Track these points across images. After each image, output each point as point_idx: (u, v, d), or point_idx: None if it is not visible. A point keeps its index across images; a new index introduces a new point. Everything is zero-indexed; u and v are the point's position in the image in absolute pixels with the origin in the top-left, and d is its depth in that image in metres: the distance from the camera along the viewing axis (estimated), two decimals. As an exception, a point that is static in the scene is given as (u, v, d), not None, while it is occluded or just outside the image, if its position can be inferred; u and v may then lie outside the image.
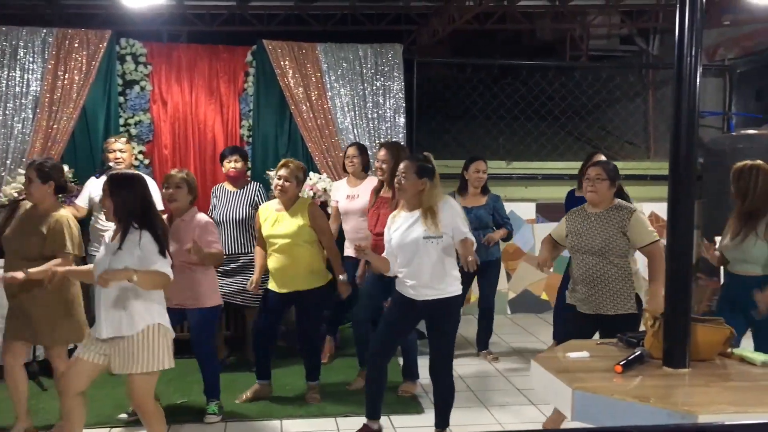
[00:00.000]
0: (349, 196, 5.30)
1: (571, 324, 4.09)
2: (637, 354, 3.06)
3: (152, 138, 6.32)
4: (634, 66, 9.10)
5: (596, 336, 3.97)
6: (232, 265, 5.38)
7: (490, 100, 8.17)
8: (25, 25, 6.08)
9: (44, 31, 6.02)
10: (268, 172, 6.00)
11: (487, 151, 7.94)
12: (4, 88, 5.89)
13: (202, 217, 4.50)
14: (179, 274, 4.22)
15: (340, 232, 5.39)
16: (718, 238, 4.49)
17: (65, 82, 5.96)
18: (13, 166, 5.82)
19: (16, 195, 5.36)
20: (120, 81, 6.21)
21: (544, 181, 7.50)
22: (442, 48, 9.48)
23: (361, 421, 4.25)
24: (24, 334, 4.05)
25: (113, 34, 6.15)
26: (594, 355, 3.24)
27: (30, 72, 5.94)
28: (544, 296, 7.53)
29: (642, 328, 3.40)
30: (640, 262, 4.09)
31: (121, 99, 6.22)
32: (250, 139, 6.42)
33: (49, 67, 5.93)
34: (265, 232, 4.69)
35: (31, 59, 5.94)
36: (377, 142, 6.26)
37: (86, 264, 4.50)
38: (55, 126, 5.92)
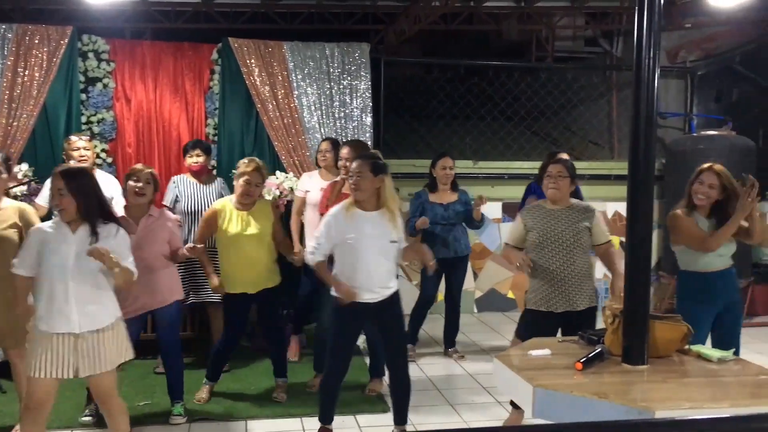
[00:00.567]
0: (323, 189, 5.27)
1: (535, 326, 4.03)
2: (597, 351, 3.11)
3: (115, 136, 6.22)
4: (598, 67, 9.22)
5: (558, 333, 4.02)
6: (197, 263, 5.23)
7: (456, 100, 8.22)
8: (-16, 21, 5.97)
9: (3, 27, 5.90)
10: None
11: (454, 151, 7.97)
12: (-38, 85, 5.76)
13: (168, 214, 4.50)
14: (150, 274, 4.19)
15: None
16: None
17: (25, 79, 5.85)
18: (-29, 164, 5.69)
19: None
20: (82, 78, 6.11)
21: (510, 180, 7.56)
22: (409, 48, 9.49)
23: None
24: None
25: (75, 31, 6.04)
26: (555, 352, 3.28)
27: (-11, 68, 5.82)
28: (510, 295, 7.59)
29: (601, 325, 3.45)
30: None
31: (83, 96, 6.12)
32: (216, 138, 6.37)
33: (9, 63, 5.81)
34: (231, 232, 4.58)
35: (-11, 55, 5.83)
36: (343, 141, 6.25)
37: None
38: (14, 123, 5.80)
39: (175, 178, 5.58)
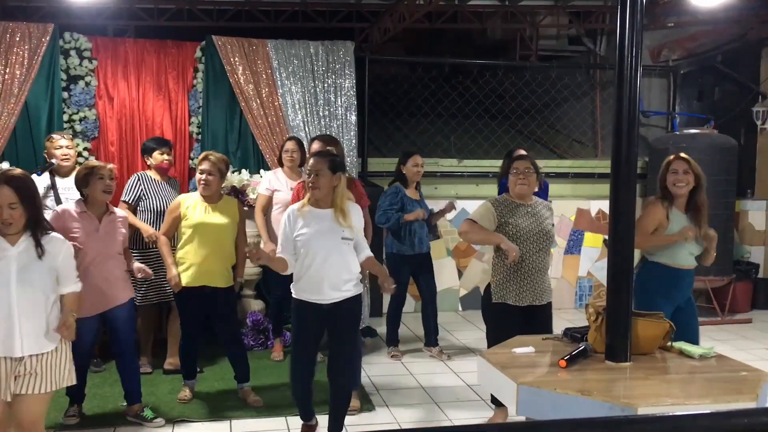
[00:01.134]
0: (293, 188, 5.25)
1: (503, 320, 4.06)
2: (580, 349, 3.13)
3: (98, 134, 6.18)
4: (582, 66, 9.27)
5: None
6: (153, 259, 5.04)
7: (441, 98, 8.23)
8: (-36, 18, 5.90)
9: (-16, 24, 5.85)
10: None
11: (439, 150, 8.01)
12: (-59, 83, 5.69)
13: (120, 211, 4.42)
14: (110, 272, 4.16)
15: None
16: None
17: (6, 76, 5.79)
18: (-49, 162, 5.63)
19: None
20: (64, 76, 6.06)
21: (494, 179, 7.55)
22: (394, 46, 9.50)
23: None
24: None
25: (56, 28, 5.99)
26: (539, 350, 3.30)
27: (-31, 66, 5.75)
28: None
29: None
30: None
31: (65, 94, 6.06)
32: (200, 136, 6.34)
33: (-11, 61, 5.76)
34: (194, 219, 4.48)
35: (-31, 53, 5.76)
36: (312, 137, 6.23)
37: None
38: (-5, 121, 5.74)
39: (138, 174, 5.37)
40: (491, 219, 4.07)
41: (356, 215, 3.85)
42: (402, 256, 5.72)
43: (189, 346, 4.71)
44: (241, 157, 6.39)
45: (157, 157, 5.30)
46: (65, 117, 6.04)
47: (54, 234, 3.27)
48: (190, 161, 6.34)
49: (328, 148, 4.45)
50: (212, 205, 4.56)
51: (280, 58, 6.37)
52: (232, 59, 6.25)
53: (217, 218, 4.53)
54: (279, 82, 6.34)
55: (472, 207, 7.44)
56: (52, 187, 5.09)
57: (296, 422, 4.28)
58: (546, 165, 7.31)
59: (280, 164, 5.57)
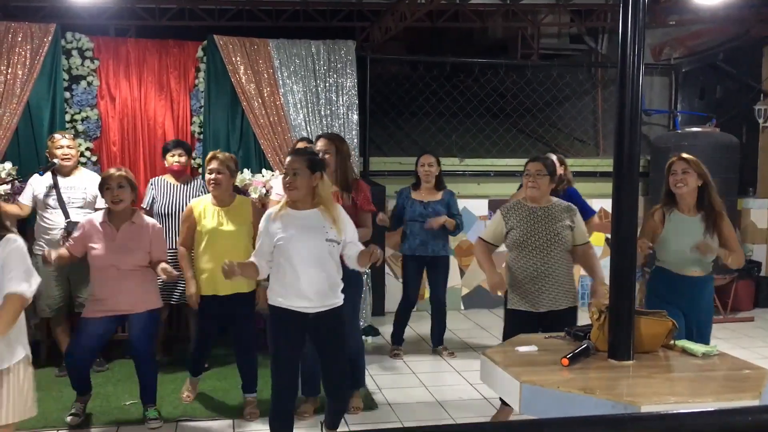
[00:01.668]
0: None
1: (518, 326, 3.97)
2: (583, 347, 3.13)
3: (100, 134, 6.18)
4: (584, 64, 9.26)
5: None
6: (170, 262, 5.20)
7: (442, 97, 8.23)
8: (-35, 18, 5.90)
9: (-15, 24, 5.85)
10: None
11: (440, 148, 8.00)
12: (-57, 83, 5.70)
13: (149, 220, 4.38)
14: (125, 279, 4.18)
15: None
16: None
17: (8, 77, 5.79)
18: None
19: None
20: (66, 76, 6.05)
21: (496, 177, 7.58)
22: (395, 45, 9.50)
23: (317, 419, 4.23)
24: None
25: (58, 28, 5.98)
26: (542, 348, 3.30)
27: (-29, 66, 5.75)
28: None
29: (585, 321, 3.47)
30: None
31: (67, 94, 6.06)
32: (201, 136, 6.34)
33: (-9, 61, 5.76)
34: (207, 226, 4.43)
35: (-29, 53, 5.76)
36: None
37: None
38: (-3, 122, 5.75)
39: (153, 180, 5.52)
40: (500, 232, 4.10)
41: (344, 216, 3.61)
42: (404, 256, 5.85)
43: (203, 344, 4.68)
44: (243, 156, 6.37)
45: (169, 159, 5.41)
46: (67, 117, 6.04)
47: (11, 235, 2.98)
48: (192, 161, 6.34)
49: (326, 146, 4.35)
50: (224, 209, 4.47)
51: (282, 57, 6.37)
52: (233, 59, 6.25)
53: (230, 225, 4.44)
54: (280, 82, 6.34)
55: (472, 205, 7.52)
56: (54, 186, 5.11)
57: (299, 422, 4.29)
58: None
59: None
